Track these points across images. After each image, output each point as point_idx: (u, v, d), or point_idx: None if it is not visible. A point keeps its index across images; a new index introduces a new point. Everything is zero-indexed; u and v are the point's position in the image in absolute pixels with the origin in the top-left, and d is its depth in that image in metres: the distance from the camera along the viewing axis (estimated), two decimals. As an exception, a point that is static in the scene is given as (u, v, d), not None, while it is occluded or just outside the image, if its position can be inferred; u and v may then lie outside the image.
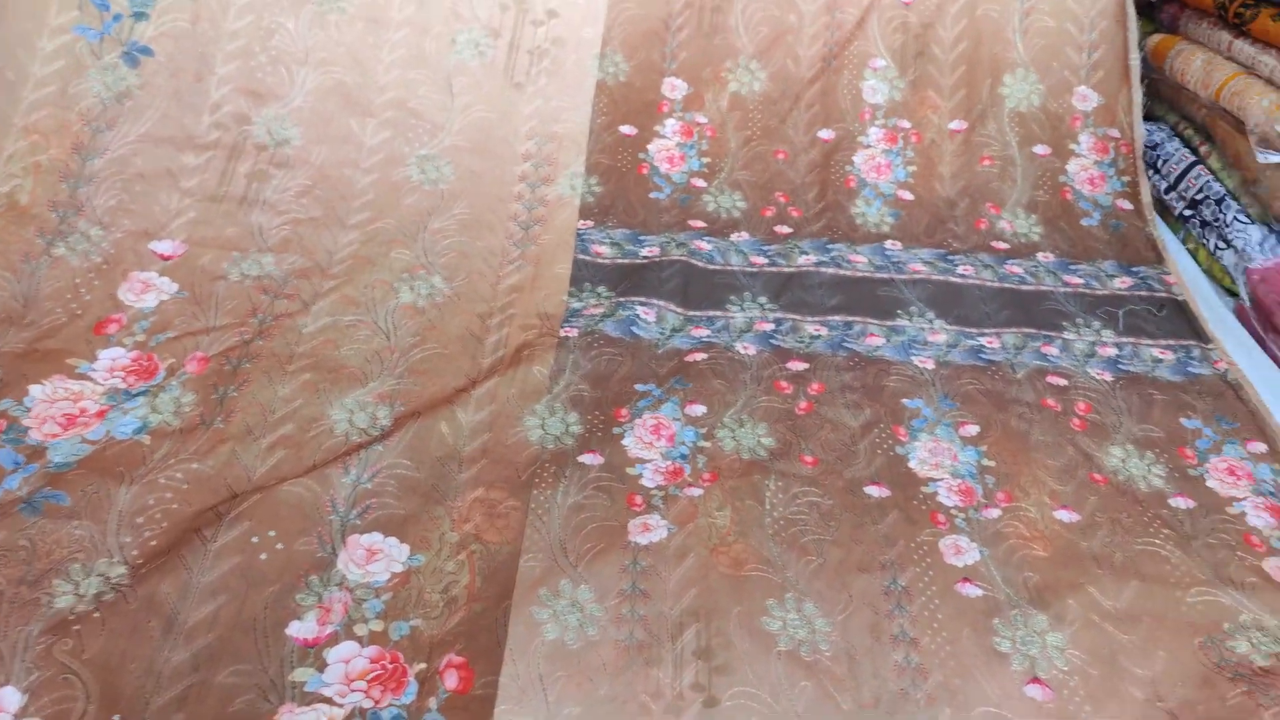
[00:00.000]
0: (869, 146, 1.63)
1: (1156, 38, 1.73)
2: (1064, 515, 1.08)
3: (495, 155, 1.53)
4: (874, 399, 1.21)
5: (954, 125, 1.64)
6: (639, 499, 1.06)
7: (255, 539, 0.99)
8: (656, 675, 0.90)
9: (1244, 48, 1.52)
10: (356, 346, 1.24)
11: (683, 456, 1.12)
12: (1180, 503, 1.10)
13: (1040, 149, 1.63)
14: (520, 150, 1.56)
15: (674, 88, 1.68)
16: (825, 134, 1.64)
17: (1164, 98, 1.71)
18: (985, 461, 1.14)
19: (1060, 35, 1.68)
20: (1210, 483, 1.12)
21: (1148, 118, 1.77)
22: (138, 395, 1.13)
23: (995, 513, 1.07)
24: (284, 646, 0.91)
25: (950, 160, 1.62)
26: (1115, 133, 1.64)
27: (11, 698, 0.83)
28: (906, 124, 1.65)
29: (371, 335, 1.26)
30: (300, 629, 0.92)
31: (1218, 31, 1.59)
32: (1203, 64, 1.59)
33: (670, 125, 1.64)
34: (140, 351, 1.19)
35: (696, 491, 1.07)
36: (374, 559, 0.99)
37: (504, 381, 1.20)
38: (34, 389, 1.11)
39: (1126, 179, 1.60)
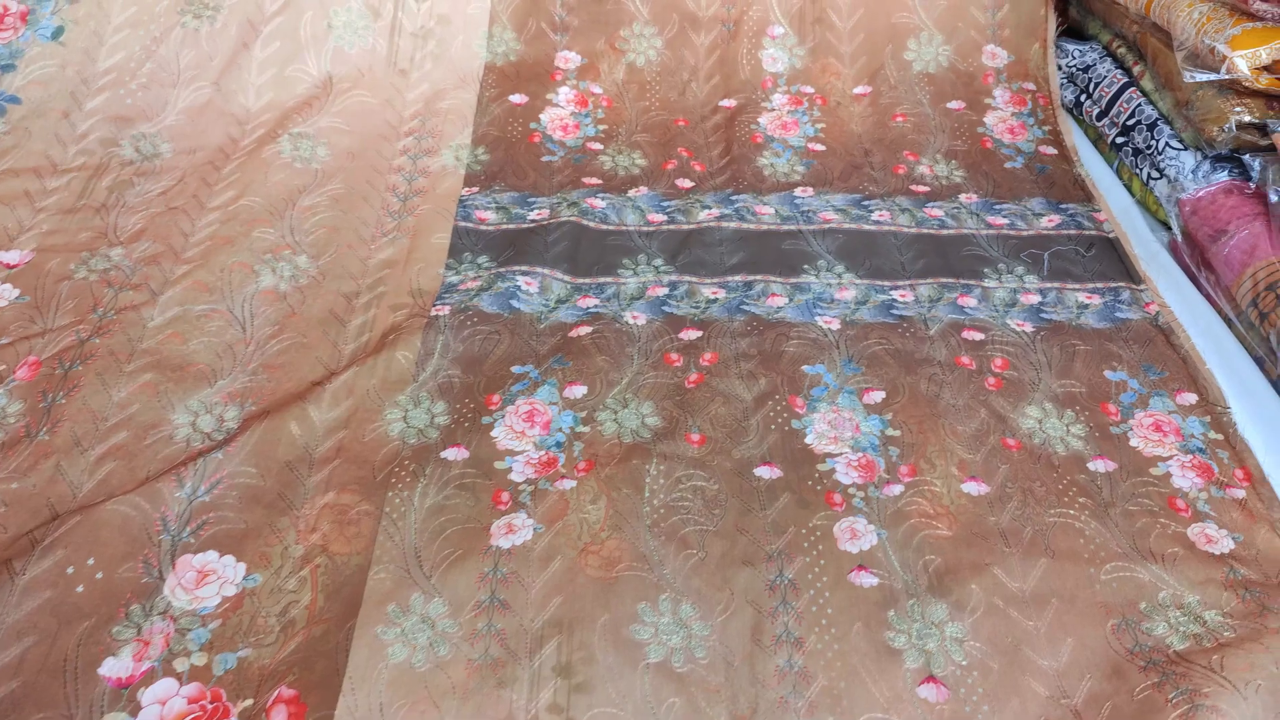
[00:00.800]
0: (773, 110, 1.53)
1: (1088, -49, 1.60)
2: (972, 488, 0.98)
3: (376, 134, 1.43)
4: (771, 367, 1.11)
5: (859, 90, 1.56)
6: (506, 496, 0.97)
7: (71, 569, 0.89)
8: (510, 697, 0.81)
9: (1177, -42, 1.40)
10: (207, 340, 1.13)
11: (558, 445, 1.02)
12: (1099, 466, 1.00)
13: (955, 104, 1.54)
14: (404, 129, 1.47)
15: (567, 60, 1.60)
16: (727, 102, 1.56)
17: (1096, 14, 1.58)
18: (890, 431, 1.04)
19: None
20: (1134, 441, 1.03)
21: (1080, 36, 1.65)
22: None
23: (897, 489, 0.98)
24: (95, 689, 0.81)
25: (860, 120, 1.52)
26: (1030, 86, 1.55)
27: None
28: (810, 90, 1.56)
29: (225, 326, 1.15)
30: (114, 667, 0.82)
31: (1151, -59, 1.47)
32: (1136, -24, 1.47)
33: (564, 93, 1.54)
34: None
35: (569, 484, 0.97)
36: (205, 582, 0.90)
37: (364, 371, 1.10)
38: None
39: (1047, 128, 1.50)
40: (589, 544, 0.92)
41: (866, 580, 0.89)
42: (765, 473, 0.99)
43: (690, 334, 1.16)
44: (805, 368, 1.11)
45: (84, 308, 1.15)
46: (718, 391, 1.08)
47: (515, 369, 1.10)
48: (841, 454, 1.01)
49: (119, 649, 0.84)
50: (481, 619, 0.86)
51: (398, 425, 1.04)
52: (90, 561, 0.89)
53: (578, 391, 1.08)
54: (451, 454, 1.01)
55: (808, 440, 1.03)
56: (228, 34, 1.50)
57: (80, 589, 0.87)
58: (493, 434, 1.03)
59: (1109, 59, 1.52)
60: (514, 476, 0.98)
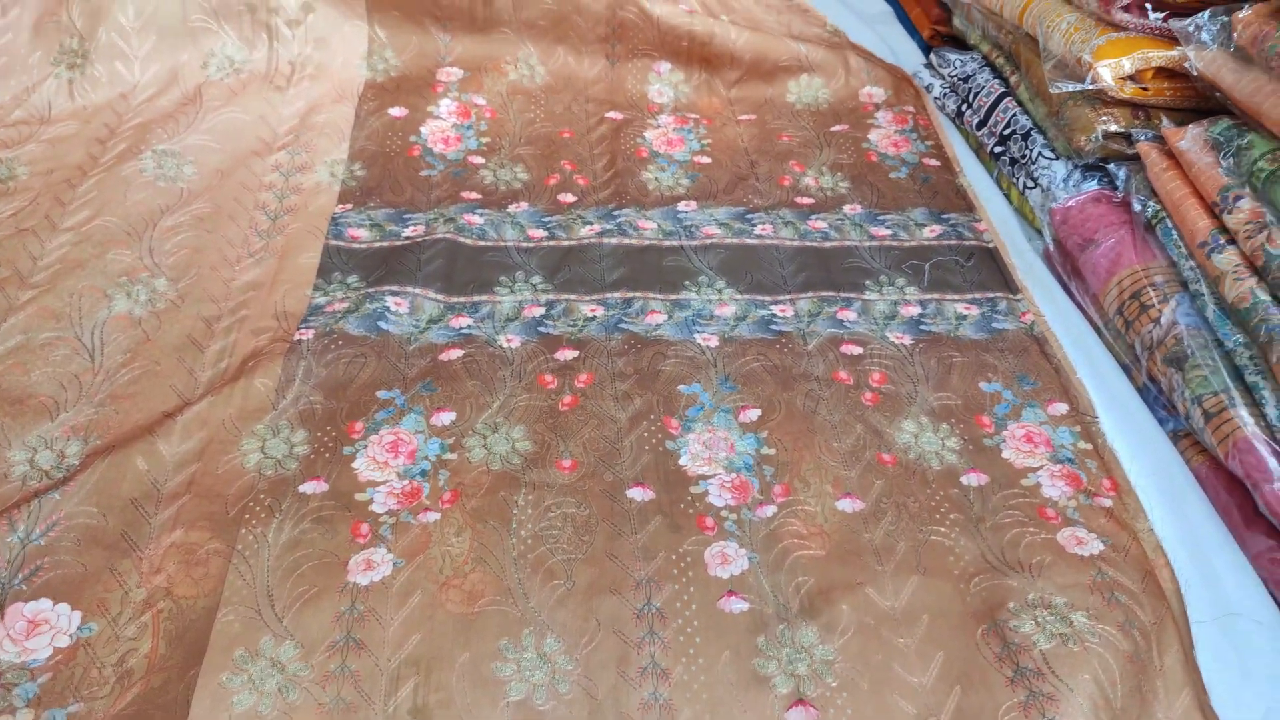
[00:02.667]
0: (659, 128, 1.53)
1: (966, -42, 1.62)
2: (846, 505, 0.97)
3: (247, 151, 1.38)
4: (647, 386, 1.09)
5: (744, 117, 1.58)
6: (365, 529, 0.92)
7: None
8: None
9: (1049, -32, 1.42)
10: (50, 370, 1.06)
11: (423, 474, 0.98)
12: (972, 479, 1.00)
13: (839, 127, 1.56)
14: (277, 144, 1.42)
15: (449, 74, 1.59)
16: (613, 114, 1.55)
17: (975, 23, 1.61)
18: (765, 450, 1.03)
19: (847, 47, 1.68)
20: (1006, 453, 1.03)
21: (962, 46, 1.68)
22: None
23: (770, 510, 0.96)
24: None
25: (746, 138, 1.53)
26: (910, 109, 1.58)
27: None
28: (695, 115, 1.57)
29: (71, 355, 1.08)
30: None
31: (1024, -48, 1.49)
32: (1011, -14, 1.50)
33: (445, 105, 1.52)
34: None
35: (433, 516, 0.94)
36: (35, 632, 0.83)
37: (220, 400, 1.04)
38: None
39: (929, 142, 1.52)
40: (451, 578, 0.88)
41: (736, 606, 0.88)
42: (638, 494, 0.97)
43: (566, 354, 1.13)
44: (681, 387, 1.09)
45: None
46: (591, 414, 1.06)
47: (381, 394, 1.06)
48: (715, 475, 1.00)
49: None
50: (335, 660, 0.82)
51: (254, 456, 0.99)
52: None
53: (445, 418, 1.04)
54: (310, 487, 0.96)
55: (681, 462, 1.01)
56: (100, 85, 1.47)
57: None
58: (354, 465, 0.98)
59: (988, 69, 1.54)
60: (375, 508, 0.94)
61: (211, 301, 1.17)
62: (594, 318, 1.18)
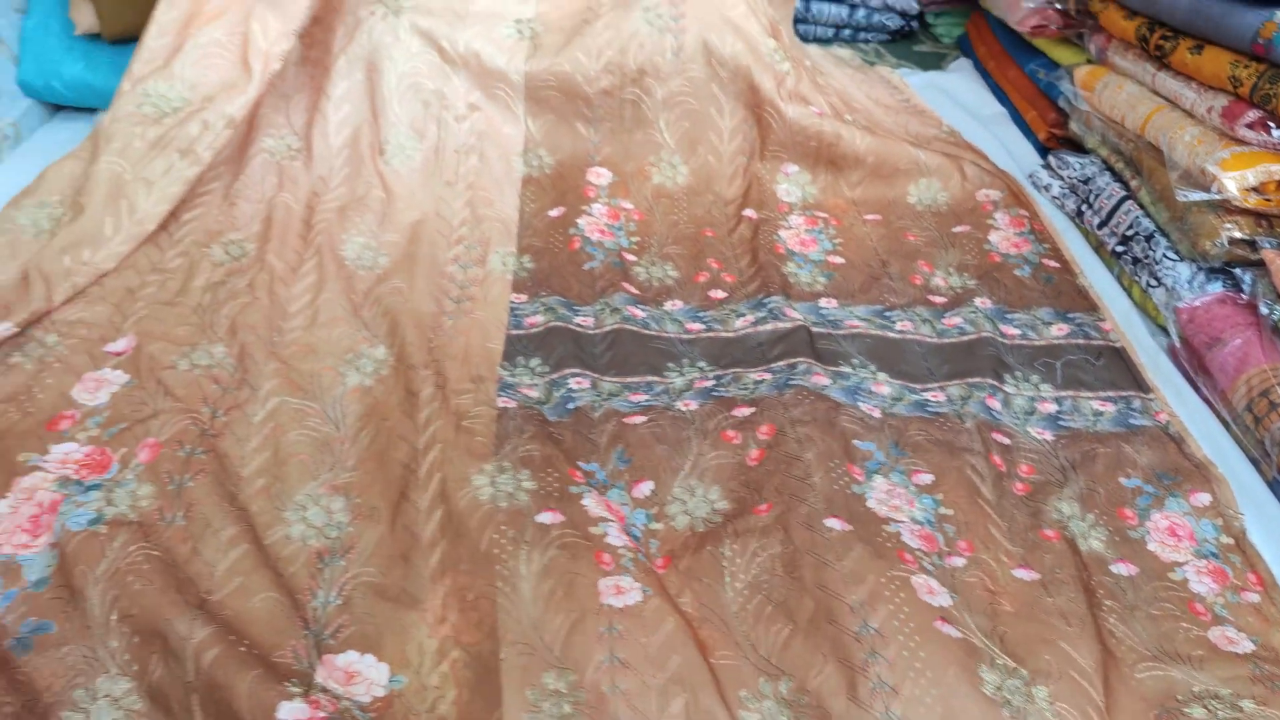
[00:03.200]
0: (791, 228, 1.65)
1: (1085, 68, 1.73)
2: (1023, 574, 1.06)
3: (430, 243, 1.54)
4: (826, 433, 1.18)
5: (870, 217, 1.68)
6: (608, 558, 1.03)
7: (231, 637, 0.95)
8: None
9: (1167, 81, 1.52)
10: (305, 433, 1.21)
11: (636, 539, 1.09)
12: (1122, 569, 1.08)
13: (960, 228, 1.66)
14: (454, 236, 1.57)
15: (599, 175, 1.72)
16: (750, 213, 1.67)
17: (1094, 129, 1.71)
18: (942, 510, 1.12)
19: (961, 150, 1.80)
20: (1151, 545, 1.11)
21: (1078, 148, 1.78)
22: (91, 489, 1.11)
23: (959, 561, 1.05)
24: None
25: (874, 238, 1.64)
26: (1024, 213, 1.67)
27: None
28: (824, 214, 1.68)
29: (321, 423, 1.22)
30: (290, 710, 0.88)
31: (1142, 63, 1.59)
32: (1129, 97, 1.60)
33: (597, 209, 1.65)
34: (94, 446, 1.16)
35: (659, 570, 1.05)
36: (352, 682, 0.95)
37: (448, 446, 1.16)
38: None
39: (1046, 245, 1.61)
40: (689, 623, 0.98)
41: (950, 631, 0.95)
42: (835, 524, 1.06)
43: (743, 411, 1.23)
44: (857, 442, 1.18)
45: (193, 398, 1.24)
46: (779, 461, 1.15)
47: (581, 464, 1.17)
48: (903, 521, 1.08)
49: (292, 698, 0.89)
50: (605, 680, 0.92)
51: (487, 490, 1.11)
52: (243, 647, 0.94)
53: (645, 489, 1.15)
54: (546, 518, 1.07)
55: (869, 504, 1.10)
56: (300, 165, 1.65)
57: (243, 648, 0.94)
58: (583, 503, 1.10)
59: (1108, 172, 1.64)
60: (611, 540, 1.05)
61: (421, 367, 1.30)
62: (763, 381, 1.28)
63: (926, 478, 1.16)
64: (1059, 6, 1.76)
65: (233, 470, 1.16)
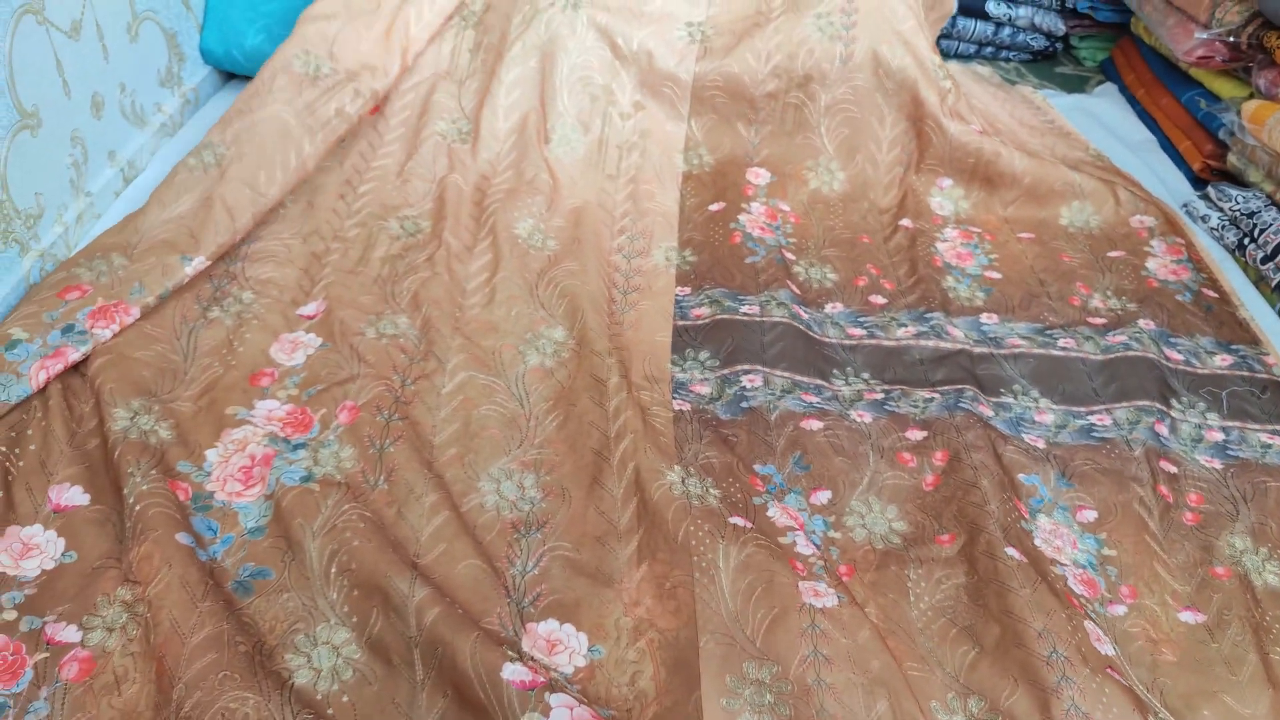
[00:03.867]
0: (946, 241, 1.66)
1: (1254, 103, 1.71)
2: (1189, 617, 1.06)
3: (594, 230, 1.58)
4: (996, 463, 1.20)
5: (1023, 235, 1.69)
6: (800, 565, 1.06)
7: (447, 599, 0.99)
8: None
9: (1339, 119, 1.51)
10: (494, 408, 1.26)
11: (817, 546, 1.12)
12: (1303, 604, 1.09)
13: (1115, 253, 1.66)
14: (616, 227, 1.61)
15: (758, 175, 1.76)
16: (906, 223, 1.69)
17: (1260, 164, 1.70)
18: (1105, 550, 1.13)
19: (1113, 175, 1.80)
20: (1332, 582, 1.11)
21: (1241, 183, 1.77)
22: (298, 448, 1.17)
23: (1121, 609, 1.06)
24: (502, 691, 0.90)
25: (1029, 256, 1.65)
26: (1181, 241, 1.67)
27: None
28: (977, 229, 1.70)
29: (507, 399, 1.27)
30: (513, 672, 0.91)
31: (1312, 101, 1.58)
32: (1296, 133, 1.58)
33: (756, 207, 1.69)
34: (294, 405, 1.23)
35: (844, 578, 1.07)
36: (555, 651, 0.99)
37: (639, 439, 1.20)
38: (209, 453, 1.16)
39: (1204, 275, 1.60)
40: (879, 633, 1.01)
41: (1119, 679, 0.96)
42: (1015, 554, 1.07)
43: (916, 434, 1.26)
44: (1021, 476, 1.20)
45: (385, 366, 1.29)
46: (956, 488, 1.17)
47: (758, 468, 1.20)
48: (1066, 565, 1.10)
49: (513, 660, 0.93)
50: (810, 673, 0.95)
51: (679, 487, 1.14)
52: (459, 609, 0.99)
53: (823, 497, 1.18)
54: (737, 520, 1.10)
55: (1037, 542, 1.11)
56: (468, 149, 1.71)
57: (460, 611, 0.98)
58: (769, 514, 1.13)
59: (1274, 207, 1.63)
60: (801, 549, 1.08)
61: (600, 355, 1.33)
62: (932, 399, 1.30)
63: (1090, 514, 1.17)
64: (1230, 40, 1.75)
65: (425, 438, 1.21)
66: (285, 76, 1.66)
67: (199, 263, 1.39)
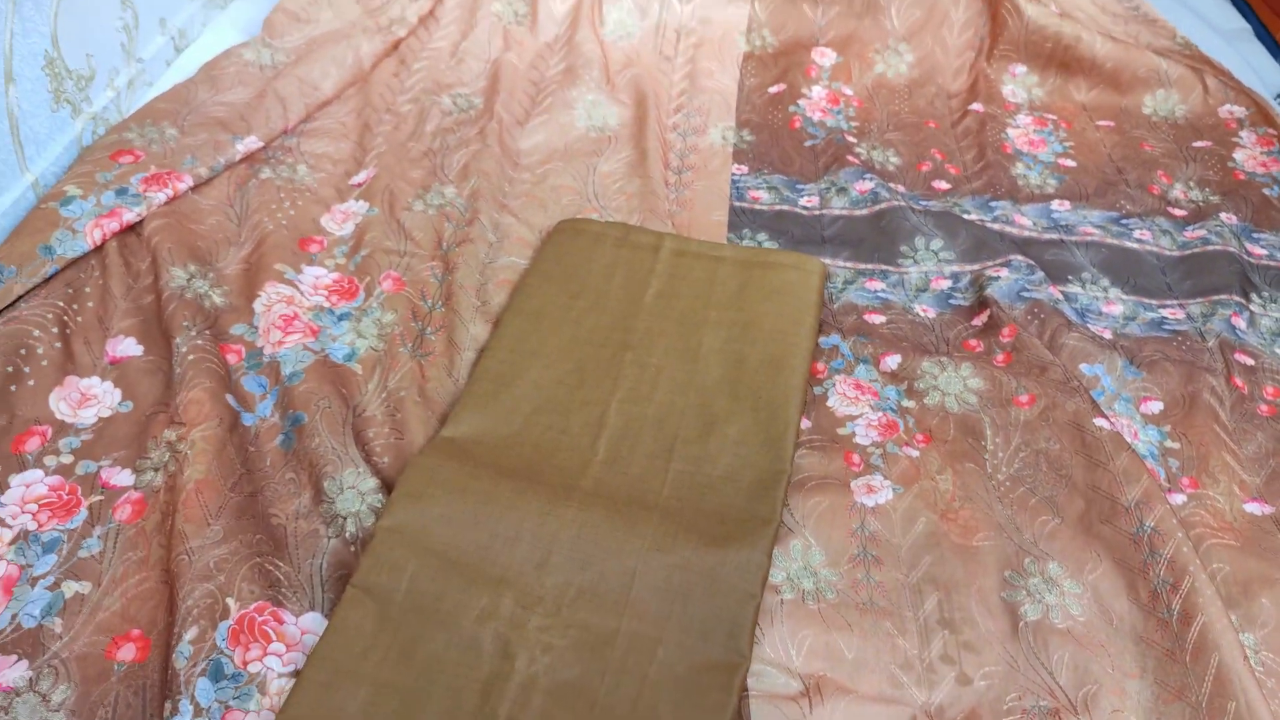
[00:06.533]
0: (1018, 128, 1.58)
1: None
2: (1254, 508, 1.02)
3: (650, 106, 1.53)
4: (1057, 355, 1.15)
5: (1102, 123, 1.61)
6: (856, 458, 1.03)
7: None
8: (903, 645, 0.88)
9: None
10: None
11: (893, 411, 1.09)
12: (1381, 497, 1.03)
13: (1201, 143, 1.57)
14: (672, 105, 1.57)
15: (823, 54, 1.69)
16: (977, 107, 1.62)
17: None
18: (1169, 443, 1.08)
19: (1201, 63, 1.68)
20: None
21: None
22: (342, 319, 1.17)
23: (1180, 498, 1.02)
24: None
25: (1108, 144, 1.56)
26: (1273, 132, 1.57)
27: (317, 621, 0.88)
28: (1053, 116, 1.61)
29: None
30: None
31: None
32: None
33: (817, 91, 1.62)
34: (341, 274, 1.23)
35: (914, 452, 1.04)
36: None
37: None
38: (255, 304, 1.17)
39: None
40: (946, 511, 0.98)
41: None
42: (1104, 424, 1.04)
43: (980, 319, 1.21)
44: (1084, 367, 1.15)
45: (431, 241, 1.28)
46: (1031, 358, 1.13)
47: (822, 341, 1.17)
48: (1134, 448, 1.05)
49: None
50: (860, 570, 0.93)
51: None
52: None
53: (892, 362, 1.14)
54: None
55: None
56: (525, 30, 1.69)
57: None
58: (829, 403, 1.10)
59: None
60: (859, 440, 1.06)
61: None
62: (998, 278, 1.24)
63: (1156, 405, 1.12)
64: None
65: (470, 308, 1.20)
66: None
67: (251, 141, 1.37)
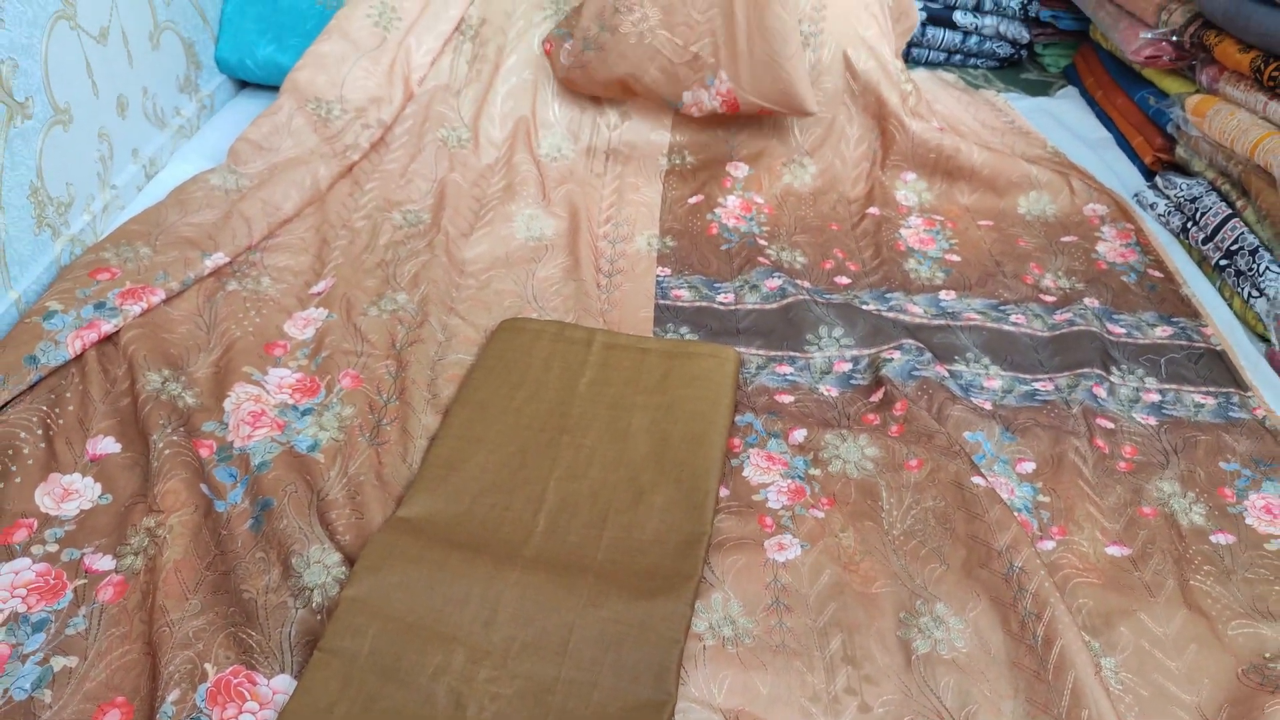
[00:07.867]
0: (910, 227, 1.80)
1: (1197, 97, 1.83)
2: (1115, 550, 1.17)
3: (582, 218, 1.71)
4: (943, 425, 1.31)
5: (983, 222, 1.83)
6: (769, 520, 1.17)
7: None
8: (811, 681, 1.00)
9: (1278, 109, 1.63)
10: None
11: (801, 478, 1.23)
12: (1221, 539, 1.19)
13: (1068, 238, 1.79)
14: (603, 216, 1.75)
15: (737, 168, 1.90)
16: (874, 210, 1.83)
17: (1203, 154, 1.82)
18: (1040, 498, 1.24)
19: (1068, 168, 1.94)
20: (1249, 520, 1.22)
21: (1187, 173, 1.89)
22: (305, 414, 1.28)
23: (1050, 544, 1.17)
24: None
25: (988, 241, 1.78)
26: (1130, 226, 1.80)
27: (287, 682, 0.97)
28: (940, 217, 1.83)
29: None
30: None
31: (1254, 94, 1.70)
32: (1240, 123, 1.70)
33: (732, 200, 1.82)
34: (304, 374, 1.35)
35: (820, 514, 1.18)
36: None
37: None
38: (225, 403, 1.28)
39: (1150, 257, 1.73)
40: (848, 563, 1.12)
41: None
42: (980, 482, 1.19)
43: (877, 396, 1.37)
44: (966, 434, 1.31)
45: (385, 342, 1.41)
46: (920, 428, 1.29)
47: (738, 419, 1.32)
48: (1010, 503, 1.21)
49: None
50: (774, 618, 1.05)
51: None
52: None
53: (799, 435, 1.29)
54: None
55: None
56: (469, 152, 1.87)
57: None
58: (744, 473, 1.24)
59: (1214, 193, 1.75)
60: (772, 504, 1.19)
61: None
62: (892, 359, 1.41)
63: (1029, 466, 1.28)
64: (1174, 39, 1.88)
65: (421, 400, 1.33)
66: (301, 117, 1.82)
67: (218, 257, 1.51)
